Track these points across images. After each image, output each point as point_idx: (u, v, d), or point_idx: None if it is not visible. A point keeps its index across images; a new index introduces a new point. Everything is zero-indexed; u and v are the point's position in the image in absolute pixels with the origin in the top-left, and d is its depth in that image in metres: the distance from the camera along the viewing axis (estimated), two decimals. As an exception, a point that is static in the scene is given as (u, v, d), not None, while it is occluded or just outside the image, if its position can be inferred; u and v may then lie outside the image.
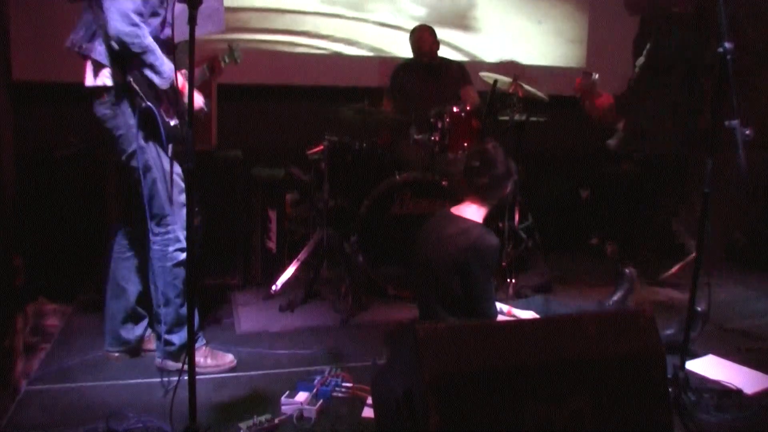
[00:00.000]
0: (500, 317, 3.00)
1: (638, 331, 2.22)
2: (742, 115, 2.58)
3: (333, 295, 3.96)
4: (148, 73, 2.67)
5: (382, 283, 3.98)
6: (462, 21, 5.43)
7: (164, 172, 2.81)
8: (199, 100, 2.95)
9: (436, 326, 2.07)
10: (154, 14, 2.73)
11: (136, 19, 2.59)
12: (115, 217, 3.09)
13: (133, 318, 3.09)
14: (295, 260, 4.05)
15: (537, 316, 3.09)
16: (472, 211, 2.98)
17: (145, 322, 3.14)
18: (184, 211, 2.86)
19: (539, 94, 4.29)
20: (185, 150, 2.25)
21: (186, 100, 2.55)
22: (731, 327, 3.70)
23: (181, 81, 2.79)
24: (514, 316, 3.10)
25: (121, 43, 2.59)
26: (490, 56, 5.52)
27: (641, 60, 3.68)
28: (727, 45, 2.50)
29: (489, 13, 5.53)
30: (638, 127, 3.78)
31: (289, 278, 4.00)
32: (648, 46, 3.63)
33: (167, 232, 2.87)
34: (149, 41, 2.65)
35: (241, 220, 4.16)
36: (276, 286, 3.96)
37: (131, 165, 2.79)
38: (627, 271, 3.95)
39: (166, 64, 2.70)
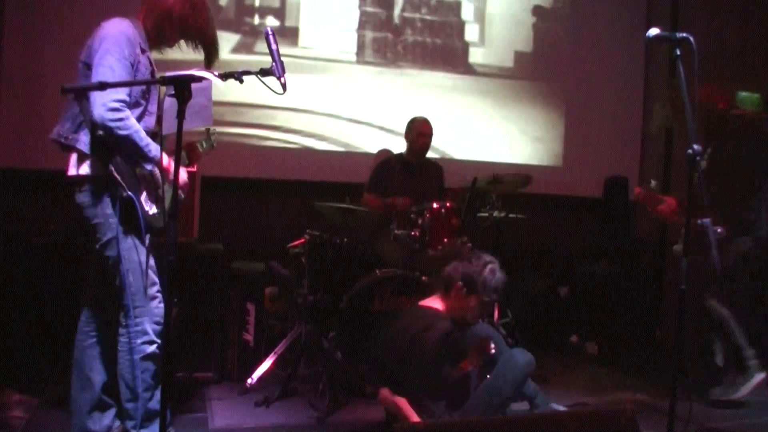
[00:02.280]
0: None
1: (619, 430, 2.20)
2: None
3: (310, 392, 3.88)
4: (135, 157, 2.70)
5: (361, 380, 3.91)
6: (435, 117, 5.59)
7: (139, 263, 2.80)
8: (182, 175, 2.98)
9: (414, 426, 2.04)
10: (136, 104, 2.79)
11: (119, 105, 2.64)
12: (82, 303, 3.04)
13: (100, 407, 2.98)
14: (272, 354, 3.99)
15: None
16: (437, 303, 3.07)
17: (112, 411, 3.03)
18: (153, 304, 2.85)
19: (520, 183, 4.40)
20: (167, 242, 2.26)
21: (171, 179, 2.61)
22: (713, 426, 3.66)
23: (167, 160, 2.81)
24: None
25: (107, 128, 2.63)
26: (466, 155, 5.66)
27: (703, 164, 3.80)
28: (696, 147, 2.60)
29: (465, 112, 5.72)
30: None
31: (265, 372, 3.92)
32: (708, 150, 3.76)
33: (136, 325, 2.83)
34: (134, 124, 2.69)
35: (219, 314, 4.11)
36: (252, 380, 3.88)
37: (105, 254, 2.78)
38: None
39: (152, 145, 2.74)
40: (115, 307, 2.83)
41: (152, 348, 2.83)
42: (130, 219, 2.75)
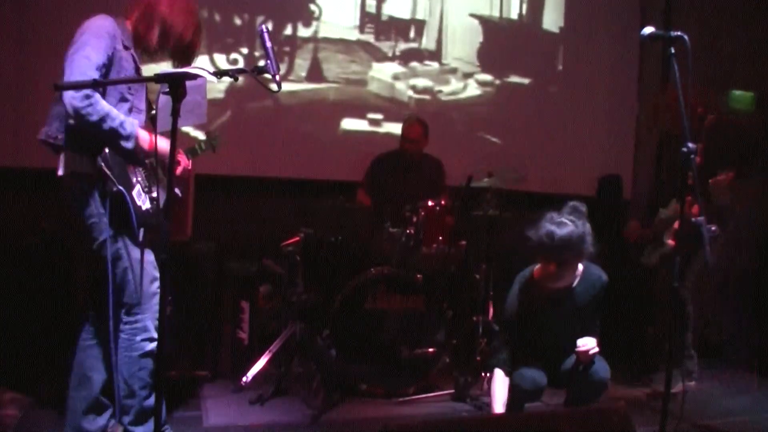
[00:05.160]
0: None
1: (612, 428, 2.20)
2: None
3: (304, 390, 3.88)
4: (114, 140, 2.67)
5: (355, 379, 3.91)
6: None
7: (134, 260, 2.79)
8: (164, 144, 2.87)
9: (408, 425, 2.05)
10: (123, 100, 2.78)
11: (88, 90, 2.61)
12: (83, 304, 3.02)
13: (96, 408, 2.97)
14: (267, 352, 3.98)
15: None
16: None
17: (108, 413, 3.02)
18: (154, 300, 2.84)
19: (516, 174, 4.41)
20: (159, 241, 2.26)
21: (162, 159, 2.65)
22: (705, 423, 3.67)
23: (149, 138, 2.77)
24: None
25: (79, 115, 2.60)
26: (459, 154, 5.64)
27: None
28: (690, 145, 2.61)
29: (459, 111, 5.71)
30: None
31: (259, 371, 3.92)
32: None
33: (136, 321, 2.83)
34: (105, 106, 2.66)
35: (213, 312, 4.11)
36: (246, 378, 3.88)
37: (102, 253, 2.76)
38: None
39: (127, 122, 2.71)
40: (116, 306, 2.81)
41: (152, 345, 2.82)
42: (122, 215, 2.72)
